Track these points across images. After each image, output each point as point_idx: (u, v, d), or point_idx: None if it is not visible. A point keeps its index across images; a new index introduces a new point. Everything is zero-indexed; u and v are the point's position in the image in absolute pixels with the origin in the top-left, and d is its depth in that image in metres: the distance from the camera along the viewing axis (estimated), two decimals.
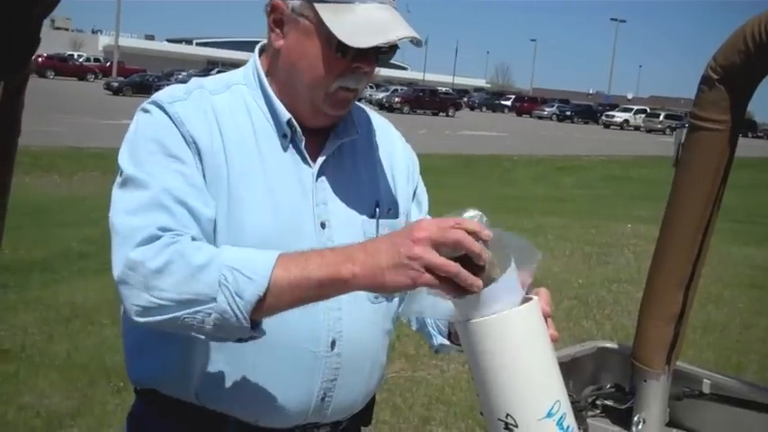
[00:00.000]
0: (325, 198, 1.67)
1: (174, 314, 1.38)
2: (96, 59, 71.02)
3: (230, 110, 1.64)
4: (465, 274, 1.27)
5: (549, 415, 1.33)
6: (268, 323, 1.43)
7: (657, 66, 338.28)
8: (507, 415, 1.33)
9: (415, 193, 1.89)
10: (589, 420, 2.40)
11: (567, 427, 1.35)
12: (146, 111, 1.61)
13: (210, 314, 1.36)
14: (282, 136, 1.66)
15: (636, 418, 2.28)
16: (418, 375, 5.71)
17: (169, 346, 1.60)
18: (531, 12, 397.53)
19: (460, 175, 19.26)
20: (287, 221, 1.61)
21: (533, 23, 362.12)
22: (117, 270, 1.43)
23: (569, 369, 2.36)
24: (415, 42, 1.57)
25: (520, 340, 1.34)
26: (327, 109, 1.63)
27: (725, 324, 7.61)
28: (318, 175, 1.68)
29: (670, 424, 2.33)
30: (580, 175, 22.76)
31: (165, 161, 1.52)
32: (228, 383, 1.60)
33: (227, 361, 1.59)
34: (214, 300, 1.35)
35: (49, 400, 4.84)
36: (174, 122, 1.56)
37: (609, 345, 2.57)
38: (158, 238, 1.42)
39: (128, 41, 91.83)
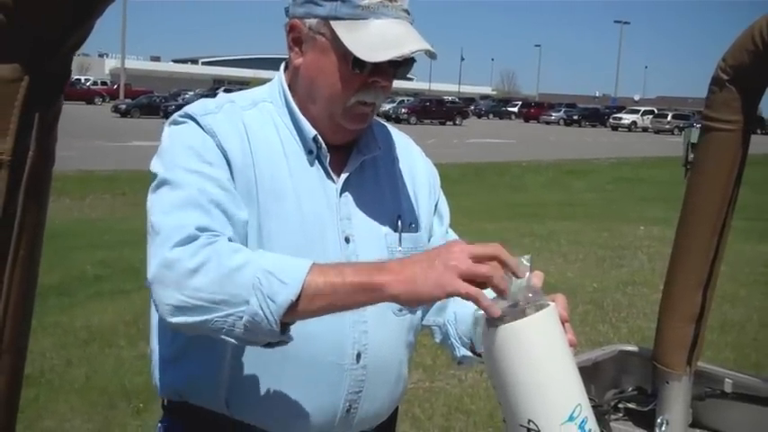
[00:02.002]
0: (348, 213, 1.70)
1: (205, 316, 1.39)
2: (103, 83, 71.64)
3: (259, 126, 1.66)
4: (498, 278, 1.33)
5: (571, 419, 1.35)
6: (295, 336, 1.44)
7: (663, 66, 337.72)
8: (529, 421, 1.35)
9: (436, 206, 1.92)
10: (612, 424, 2.40)
11: (590, 430, 1.37)
12: (178, 122, 1.63)
13: (242, 317, 1.37)
14: (308, 152, 1.68)
15: (659, 420, 2.28)
16: (436, 386, 5.70)
17: (199, 355, 1.62)
18: (534, 17, 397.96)
19: (470, 184, 19.25)
20: (314, 235, 1.63)
21: (537, 29, 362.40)
22: (152, 269, 1.44)
23: (591, 373, 2.36)
24: (430, 55, 1.59)
25: (538, 346, 1.36)
26: (346, 123, 1.66)
27: (742, 323, 7.58)
28: (342, 191, 1.70)
29: (693, 425, 2.33)
30: (590, 179, 22.71)
31: (199, 165, 1.54)
32: (256, 394, 1.62)
33: (255, 371, 1.61)
34: (247, 302, 1.37)
35: (70, 424, 4.86)
36: (206, 133, 1.59)
37: (630, 348, 2.57)
38: (196, 238, 1.43)
39: (134, 63, 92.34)
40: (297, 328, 1.44)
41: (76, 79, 67.58)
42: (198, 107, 1.65)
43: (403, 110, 54.24)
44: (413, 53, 1.56)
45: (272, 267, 1.38)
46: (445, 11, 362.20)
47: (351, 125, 1.67)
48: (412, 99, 62.49)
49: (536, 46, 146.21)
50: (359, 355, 1.66)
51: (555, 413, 1.35)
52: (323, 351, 1.62)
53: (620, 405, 2.44)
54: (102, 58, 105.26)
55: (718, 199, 2.07)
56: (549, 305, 1.39)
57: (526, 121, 72.63)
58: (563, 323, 1.42)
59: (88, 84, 67.05)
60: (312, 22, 1.61)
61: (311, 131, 1.67)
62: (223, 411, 1.64)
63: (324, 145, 1.68)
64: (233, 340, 1.43)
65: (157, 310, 1.46)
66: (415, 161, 1.90)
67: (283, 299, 1.36)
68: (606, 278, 9.46)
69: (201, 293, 1.39)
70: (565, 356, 1.39)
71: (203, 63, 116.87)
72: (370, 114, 1.69)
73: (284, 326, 1.40)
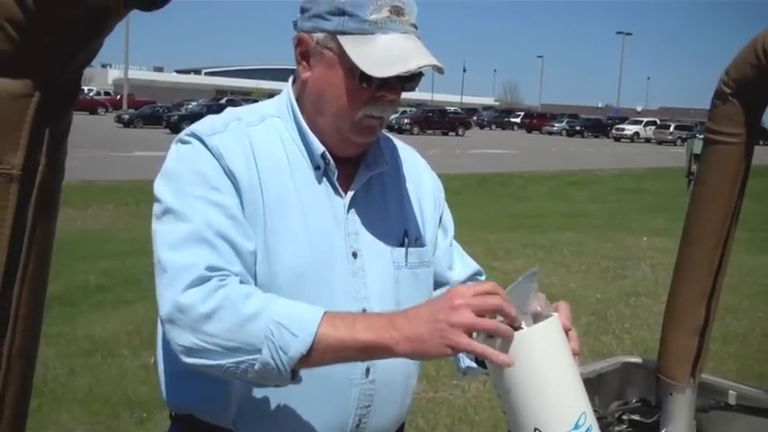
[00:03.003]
0: (356, 229, 1.70)
1: (218, 361, 1.42)
2: (106, 93, 71.78)
3: (266, 142, 1.66)
4: (503, 329, 1.35)
5: (576, 427, 1.36)
6: None
7: (665, 77, 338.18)
8: (535, 429, 1.36)
9: (441, 219, 1.92)
10: None
11: None
12: (185, 142, 1.63)
13: (254, 365, 1.41)
14: (316, 168, 1.69)
15: None
16: (440, 396, 5.69)
17: (209, 374, 1.62)
18: (536, 28, 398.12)
19: (473, 194, 19.26)
20: (321, 251, 1.64)
21: (539, 40, 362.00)
22: (165, 310, 1.46)
23: (595, 385, 2.36)
24: (437, 70, 1.59)
25: (542, 355, 1.38)
26: (354, 137, 1.66)
27: (745, 334, 7.56)
28: (350, 207, 1.71)
29: None
30: (593, 190, 22.70)
31: (206, 192, 1.54)
32: (266, 411, 1.62)
33: (265, 389, 1.61)
34: (259, 351, 1.39)
35: None
36: (213, 155, 1.58)
37: (633, 360, 2.57)
38: (207, 279, 1.45)
39: (137, 74, 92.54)
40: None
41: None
42: (205, 126, 1.64)
43: (405, 120, 54.26)
44: (419, 68, 1.56)
45: (284, 318, 1.40)
46: (448, 22, 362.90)
47: (359, 138, 1.68)
48: (414, 109, 62.57)
49: (538, 57, 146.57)
50: (368, 370, 1.67)
51: (561, 421, 1.36)
52: (333, 366, 1.60)
53: (624, 417, 2.43)
54: (105, 68, 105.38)
55: (721, 211, 2.07)
56: (552, 315, 1.41)
57: (529, 131, 72.83)
58: (566, 331, 1.44)
59: (91, 94, 66.98)
60: (320, 36, 1.61)
61: (319, 148, 1.67)
62: (230, 428, 1.64)
63: (332, 161, 1.68)
64: (244, 382, 1.48)
65: (172, 347, 1.49)
66: (421, 175, 1.91)
67: (294, 351, 1.39)
68: (609, 289, 9.45)
69: (215, 339, 1.41)
70: (568, 365, 1.40)
71: (206, 73, 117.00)
72: (377, 127, 1.69)
73: (294, 372, 1.43)
